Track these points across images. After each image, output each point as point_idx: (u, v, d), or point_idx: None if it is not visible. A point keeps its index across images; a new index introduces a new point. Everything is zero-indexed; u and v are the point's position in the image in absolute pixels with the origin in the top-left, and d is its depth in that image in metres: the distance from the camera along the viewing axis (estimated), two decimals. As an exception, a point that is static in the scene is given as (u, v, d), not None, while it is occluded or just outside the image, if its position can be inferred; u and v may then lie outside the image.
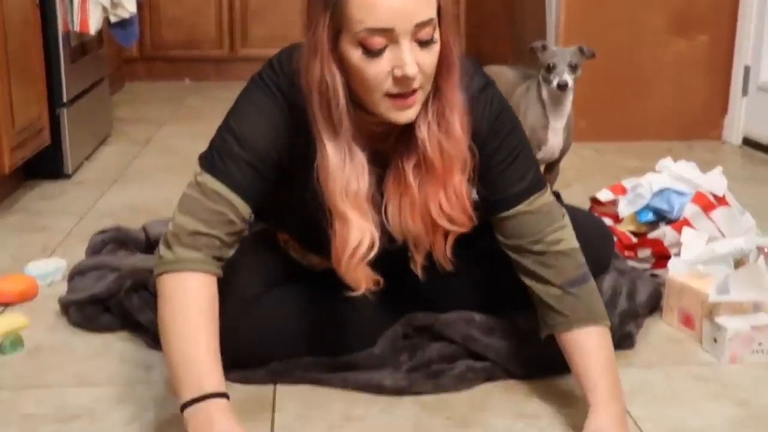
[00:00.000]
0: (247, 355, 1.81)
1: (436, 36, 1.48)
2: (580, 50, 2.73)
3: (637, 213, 2.47)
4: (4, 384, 1.85)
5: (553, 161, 2.88)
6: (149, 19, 5.63)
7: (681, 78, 4.09)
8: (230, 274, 1.75)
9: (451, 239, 1.68)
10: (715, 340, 1.97)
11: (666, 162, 2.56)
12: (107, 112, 4.25)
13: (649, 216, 2.45)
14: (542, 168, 2.87)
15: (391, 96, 1.48)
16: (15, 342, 1.99)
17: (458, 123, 1.57)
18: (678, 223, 2.37)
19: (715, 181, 2.48)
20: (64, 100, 3.44)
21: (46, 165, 3.39)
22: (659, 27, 4.02)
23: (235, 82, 5.57)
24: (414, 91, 1.48)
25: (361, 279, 1.62)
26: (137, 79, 5.75)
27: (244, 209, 1.60)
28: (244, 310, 1.79)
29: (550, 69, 2.70)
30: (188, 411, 1.45)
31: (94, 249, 2.41)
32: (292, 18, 5.78)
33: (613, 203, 2.56)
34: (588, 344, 1.66)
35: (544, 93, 2.75)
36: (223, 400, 1.46)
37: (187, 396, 1.45)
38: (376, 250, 1.59)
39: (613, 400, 1.60)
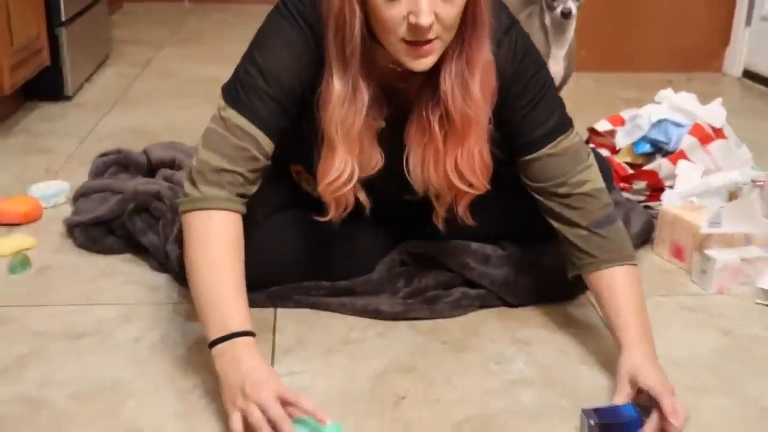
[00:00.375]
0: (248, 278, 1.83)
1: None
2: None
3: (634, 144, 2.49)
4: (15, 302, 1.88)
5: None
6: (148, -66, 5.56)
7: (683, 8, 4.05)
8: None
9: (467, 199, 1.68)
10: (704, 272, 2.00)
11: (666, 93, 2.57)
12: (106, 32, 4.21)
13: (646, 147, 2.47)
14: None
15: (406, 42, 1.46)
16: (23, 262, 2.03)
17: (478, 85, 1.56)
18: (674, 155, 2.38)
19: (713, 113, 2.48)
20: (63, 18, 3.40)
21: (46, 86, 3.37)
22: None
23: (237, 4, 5.60)
24: (429, 41, 1.46)
25: (343, 204, 1.64)
26: (136, -1, 5.72)
27: (268, 145, 1.60)
28: (246, 234, 1.76)
29: None
30: (216, 349, 1.47)
31: (97, 172, 2.42)
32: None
33: (611, 134, 2.58)
34: (617, 284, 1.66)
35: (547, 20, 2.72)
36: (249, 338, 1.47)
37: (214, 335, 1.47)
38: (353, 183, 1.60)
39: (644, 339, 1.60)
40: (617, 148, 2.53)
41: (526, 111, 1.68)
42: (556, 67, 2.78)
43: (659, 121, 2.48)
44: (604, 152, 2.53)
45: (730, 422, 1.53)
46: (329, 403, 1.54)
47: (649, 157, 2.47)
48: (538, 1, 2.78)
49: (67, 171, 2.67)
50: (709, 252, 2.01)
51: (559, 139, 1.69)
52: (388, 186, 1.70)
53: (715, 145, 2.43)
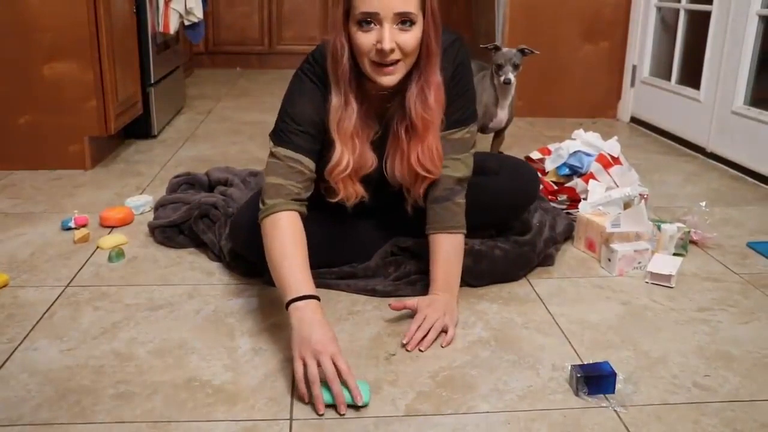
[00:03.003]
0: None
1: (417, 24, 1.48)
2: (522, 51, 2.69)
3: (558, 168, 2.47)
4: (113, 282, 1.84)
5: (500, 129, 2.85)
6: (212, 24, 5.57)
7: (589, 72, 4.06)
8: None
9: (425, 184, 1.66)
10: (609, 260, 1.97)
11: (578, 132, 2.55)
12: (181, 90, 4.19)
13: (566, 170, 2.45)
14: (492, 135, 2.88)
15: (374, 63, 1.49)
16: (119, 254, 1.99)
17: (433, 97, 1.57)
18: (586, 176, 2.36)
19: (612, 147, 2.47)
20: (152, 81, 3.39)
21: (139, 128, 3.35)
22: (574, 35, 3.98)
23: (273, 69, 5.66)
24: (393, 62, 1.49)
25: (350, 192, 1.64)
26: (203, 67, 5.68)
27: (309, 162, 1.60)
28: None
29: (499, 67, 2.67)
30: (291, 307, 1.44)
31: (172, 188, 2.39)
32: (312, 23, 5.72)
33: (542, 161, 2.56)
34: (436, 247, 1.67)
35: (496, 81, 2.71)
36: (314, 300, 1.45)
37: (289, 297, 1.45)
38: (350, 170, 1.59)
39: (445, 291, 1.64)
40: (546, 171, 2.49)
41: (452, 99, 1.65)
42: (502, 113, 2.77)
43: (575, 152, 2.46)
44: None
45: (628, 368, 1.48)
46: (338, 358, 1.48)
47: (569, 177, 2.44)
48: (489, 67, 2.75)
49: (151, 188, 2.64)
50: (612, 245, 1.97)
51: (460, 128, 1.68)
52: (386, 182, 1.69)
53: (614, 169, 2.41)
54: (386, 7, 1.44)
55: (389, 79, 1.51)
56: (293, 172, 1.58)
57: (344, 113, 1.56)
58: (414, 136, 1.60)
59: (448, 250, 1.67)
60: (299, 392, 1.35)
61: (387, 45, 1.45)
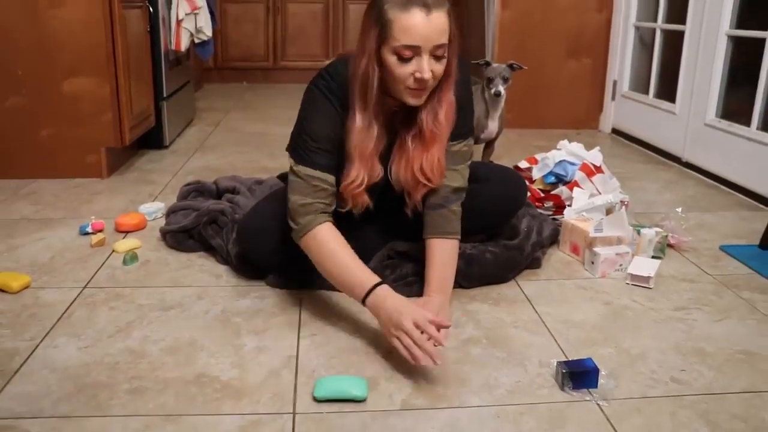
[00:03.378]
0: (282, 264, 1.79)
1: (446, 54, 1.49)
2: (511, 66, 2.69)
3: (544, 176, 2.46)
4: (127, 284, 1.83)
5: (491, 140, 2.84)
6: (220, 41, 5.56)
7: (573, 87, 4.05)
8: (274, 206, 1.77)
9: (425, 191, 1.66)
10: (592, 263, 1.96)
11: (563, 143, 2.54)
12: (192, 104, 4.17)
13: (552, 179, 2.44)
14: (483, 145, 2.88)
15: (409, 89, 1.49)
16: (133, 257, 1.98)
17: (444, 114, 1.57)
18: (570, 184, 2.36)
19: (594, 156, 2.46)
20: (165, 95, 3.38)
21: (152, 139, 3.34)
22: (559, 52, 3.98)
23: (277, 84, 5.66)
24: (427, 87, 1.50)
25: (359, 203, 1.62)
26: (212, 81, 5.67)
27: (330, 178, 1.58)
28: (280, 230, 1.73)
29: (489, 81, 2.66)
30: (368, 300, 1.48)
31: (182, 196, 2.37)
32: (315, 41, 5.72)
33: (529, 170, 2.55)
34: (431, 251, 1.65)
35: (486, 94, 2.70)
36: (383, 286, 1.48)
37: (362, 293, 1.48)
38: (364, 186, 1.58)
39: (439, 292, 1.61)
40: (534, 179, 2.48)
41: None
42: (493, 125, 2.76)
43: (560, 162, 2.45)
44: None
45: (610, 364, 1.48)
46: (338, 356, 1.50)
47: (554, 185, 2.43)
48: (480, 82, 2.74)
49: (163, 195, 2.62)
50: (595, 249, 1.97)
51: (459, 141, 1.67)
52: (390, 187, 1.68)
53: (597, 178, 2.40)
54: (427, 41, 1.43)
55: (419, 100, 1.52)
56: (317, 190, 1.57)
57: (367, 135, 1.55)
58: (420, 145, 1.60)
59: (442, 254, 1.66)
60: (415, 359, 1.36)
61: (427, 75, 1.45)
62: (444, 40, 1.46)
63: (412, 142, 1.61)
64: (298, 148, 1.60)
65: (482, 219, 1.87)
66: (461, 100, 1.65)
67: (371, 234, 1.88)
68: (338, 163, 1.60)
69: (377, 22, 1.45)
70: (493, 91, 2.64)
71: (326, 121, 1.57)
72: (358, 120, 1.53)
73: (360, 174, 1.57)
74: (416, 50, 1.44)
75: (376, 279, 1.50)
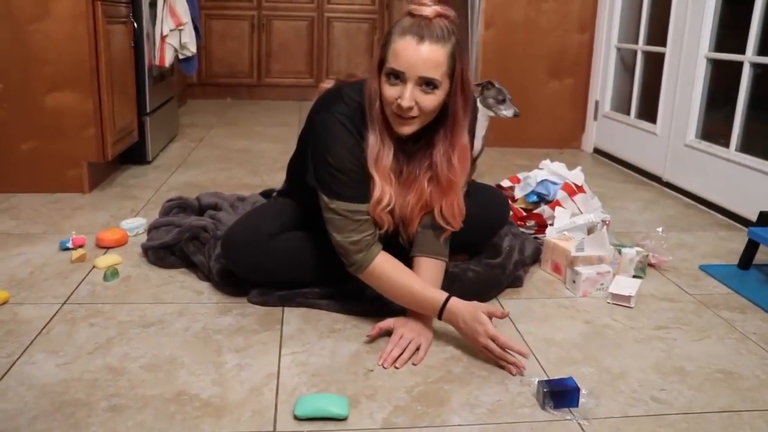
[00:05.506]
0: (266, 278, 1.79)
1: (441, 88, 1.49)
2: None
3: (526, 196, 2.47)
4: (107, 300, 1.82)
5: (474, 158, 2.86)
6: (204, 57, 5.57)
7: (555, 106, 4.09)
8: (259, 220, 1.78)
9: (420, 224, 1.68)
10: (574, 282, 1.97)
11: (545, 162, 2.55)
12: (175, 119, 4.17)
13: (534, 198, 2.45)
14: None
15: (394, 113, 1.51)
16: (114, 273, 1.96)
17: (457, 160, 1.60)
18: (553, 203, 2.37)
19: (576, 176, 2.47)
20: (148, 110, 3.37)
21: (134, 155, 3.33)
22: (541, 73, 4.02)
23: (261, 100, 5.67)
24: (412, 118, 1.51)
25: (384, 221, 1.61)
26: (196, 97, 5.67)
27: (367, 207, 1.59)
28: (265, 244, 1.75)
29: (502, 101, 2.69)
30: (444, 316, 1.57)
31: (164, 212, 2.36)
32: (299, 58, 5.74)
33: (512, 188, 2.55)
34: (419, 268, 1.67)
35: (500, 114, 2.76)
36: (453, 298, 1.57)
37: (436, 311, 1.58)
38: (392, 204, 1.59)
39: (427, 315, 1.64)
40: (516, 198, 2.49)
41: None
42: (476, 143, 2.79)
43: (542, 181, 2.46)
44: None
45: (591, 383, 1.49)
46: (319, 374, 1.49)
47: (536, 204, 2.44)
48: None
49: (145, 211, 2.61)
50: (576, 268, 1.98)
51: None
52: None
53: (578, 197, 2.42)
54: (412, 69, 1.46)
55: (405, 129, 1.53)
56: (358, 223, 1.58)
57: (382, 151, 1.56)
58: (437, 190, 1.63)
59: (428, 273, 1.66)
60: (507, 363, 1.51)
61: (405, 103, 1.47)
62: (434, 74, 1.46)
63: (428, 183, 1.62)
64: (329, 184, 1.58)
65: (464, 236, 1.87)
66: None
67: None
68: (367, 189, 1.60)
69: (384, 44, 1.50)
70: (512, 111, 2.71)
71: (347, 150, 1.56)
72: (371, 137, 1.56)
73: (386, 191, 1.57)
74: (402, 75, 1.46)
75: (444, 294, 1.58)
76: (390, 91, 1.49)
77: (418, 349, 1.57)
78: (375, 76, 1.53)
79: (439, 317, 1.58)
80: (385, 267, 1.60)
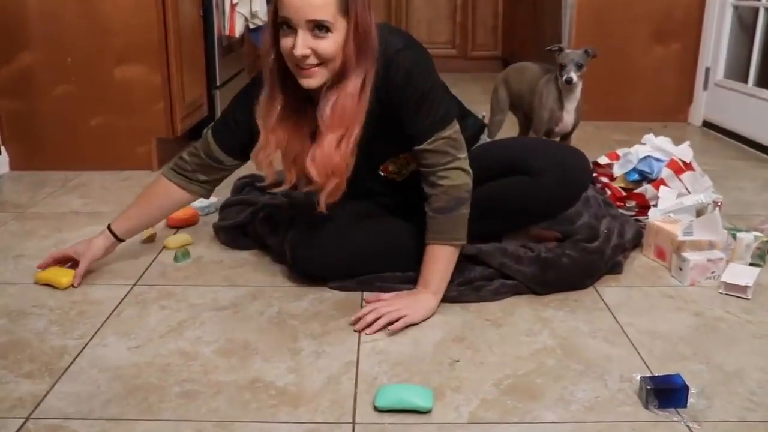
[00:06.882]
0: (343, 268, 1.83)
1: (336, 30, 1.49)
2: (586, 52, 2.65)
3: (627, 174, 2.41)
4: (178, 282, 1.88)
5: (567, 133, 2.81)
6: (276, 26, 5.64)
7: (659, 75, 3.98)
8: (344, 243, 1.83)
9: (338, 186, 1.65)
10: (680, 269, 1.92)
11: (648, 136, 2.50)
12: (246, 92, 4.25)
13: (635, 176, 2.39)
14: (558, 139, 2.84)
15: (295, 66, 1.53)
16: (185, 254, 2.03)
17: (330, 105, 1.57)
18: (656, 182, 2.31)
19: (684, 152, 2.41)
20: (218, 83, 3.45)
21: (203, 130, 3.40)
22: (644, 37, 3.92)
23: None
24: (313, 67, 1.52)
25: (290, 178, 1.70)
26: (267, 68, 5.76)
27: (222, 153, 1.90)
28: (340, 236, 1.82)
29: (562, 67, 2.64)
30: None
31: (237, 190, 2.43)
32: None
33: (610, 166, 2.51)
34: (432, 254, 1.68)
35: (560, 83, 2.67)
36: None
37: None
38: (272, 156, 1.66)
39: (431, 293, 1.68)
40: (615, 176, 2.44)
41: (411, 112, 1.64)
42: (568, 117, 2.72)
43: (645, 157, 2.41)
44: (605, 179, 2.46)
45: (701, 382, 1.44)
46: (401, 363, 1.50)
47: (638, 183, 2.38)
48: (554, 70, 2.71)
49: (217, 190, 2.62)
50: (684, 254, 1.93)
51: (435, 135, 1.64)
52: (359, 174, 1.67)
53: (686, 176, 2.35)
54: (298, 14, 1.47)
55: (308, 81, 1.54)
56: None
57: (269, 105, 1.62)
58: (317, 139, 1.61)
59: (443, 258, 1.69)
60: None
61: (298, 51, 1.48)
62: (323, 16, 1.46)
63: (317, 134, 1.62)
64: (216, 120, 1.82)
65: (536, 216, 1.91)
66: (418, 88, 1.62)
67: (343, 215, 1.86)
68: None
69: None
70: (564, 78, 2.61)
71: (244, 100, 1.72)
72: (263, 91, 1.62)
73: (269, 143, 1.63)
74: (291, 23, 1.48)
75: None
76: (285, 42, 1.50)
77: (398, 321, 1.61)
78: (269, 34, 1.56)
79: None
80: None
